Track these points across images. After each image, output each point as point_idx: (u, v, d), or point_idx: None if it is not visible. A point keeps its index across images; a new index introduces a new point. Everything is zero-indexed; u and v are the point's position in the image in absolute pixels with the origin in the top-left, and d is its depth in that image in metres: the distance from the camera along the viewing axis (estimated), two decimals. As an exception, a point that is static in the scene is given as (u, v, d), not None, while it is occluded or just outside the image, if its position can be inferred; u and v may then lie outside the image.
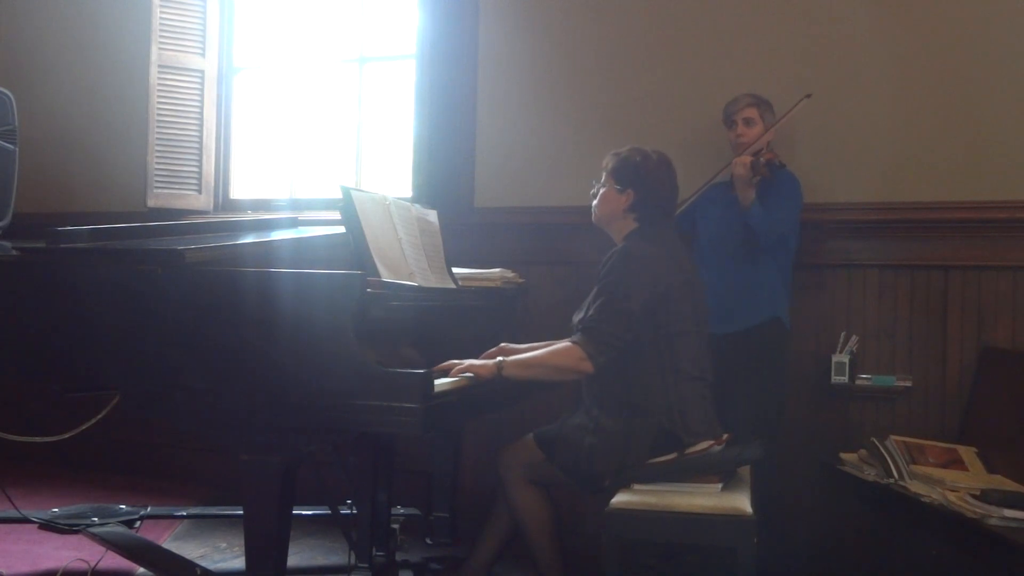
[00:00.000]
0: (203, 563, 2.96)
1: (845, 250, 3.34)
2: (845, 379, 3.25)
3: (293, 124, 4.55)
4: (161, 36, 4.41)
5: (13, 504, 3.15)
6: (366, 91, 4.39)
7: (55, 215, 4.24)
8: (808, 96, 3.10)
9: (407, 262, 2.61)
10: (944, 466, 2.79)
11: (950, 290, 3.23)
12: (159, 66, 4.41)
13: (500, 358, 2.43)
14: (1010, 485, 2.64)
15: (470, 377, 2.35)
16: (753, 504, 2.30)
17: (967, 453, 2.88)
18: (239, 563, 3.13)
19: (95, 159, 4.61)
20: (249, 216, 4.36)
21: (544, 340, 2.61)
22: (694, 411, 2.47)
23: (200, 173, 4.50)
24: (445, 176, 3.90)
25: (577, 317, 2.54)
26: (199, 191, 4.50)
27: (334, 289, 2.05)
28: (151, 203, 4.39)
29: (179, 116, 4.46)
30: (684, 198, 2.97)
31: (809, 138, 3.37)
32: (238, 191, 4.64)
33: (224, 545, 3.39)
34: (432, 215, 2.96)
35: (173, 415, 2.21)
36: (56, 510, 3.28)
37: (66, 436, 2.98)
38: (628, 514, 2.30)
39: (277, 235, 2.87)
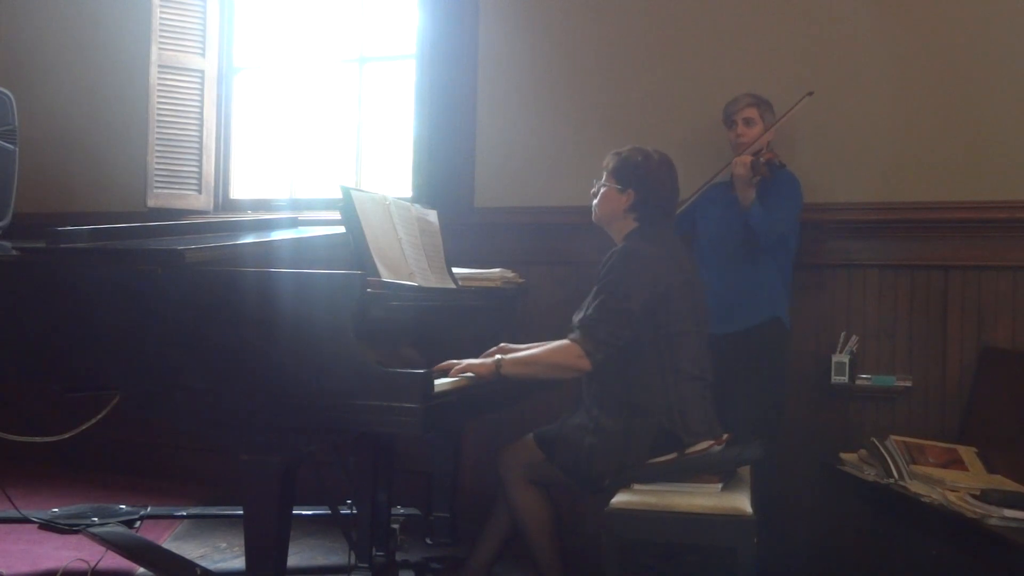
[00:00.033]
0: (203, 563, 2.96)
1: (845, 250, 3.34)
2: (845, 379, 3.25)
3: (293, 124, 4.55)
4: (161, 36, 4.41)
5: (13, 504, 3.15)
6: (366, 91, 4.39)
7: (55, 215, 4.24)
8: (810, 94, 3.09)
9: (407, 262, 2.61)
10: (944, 466, 2.79)
11: (950, 290, 3.23)
12: (159, 66, 4.41)
13: (499, 356, 2.43)
14: (1010, 485, 2.64)
15: (470, 377, 2.35)
16: (753, 504, 2.30)
17: (967, 453, 2.88)
18: (239, 563, 3.12)
19: (95, 159, 4.61)
20: (249, 216, 4.36)
21: (544, 340, 2.61)
22: (694, 411, 2.47)
23: (200, 173, 4.50)
24: (445, 176, 3.90)
25: (577, 317, 2.54)
26: (199, 191, 4.50)
27: (334, 289, 2.05)
28: (151, 203, 4.39)
29: (179, 116, 4.46)
30: (684, 198, 2.97)
31: (809, 138, 3.37)
32: (238, 191, 4.64)
33: (224, 545, 3.39)
34: (432, 215, 2.96)
35: (173, 415, 2.22)
36: (56, 510, 3.28)
37: (66, 436, 2.97)
38: (628, 514, 2.29)
39: (277, 235, 2.87)
